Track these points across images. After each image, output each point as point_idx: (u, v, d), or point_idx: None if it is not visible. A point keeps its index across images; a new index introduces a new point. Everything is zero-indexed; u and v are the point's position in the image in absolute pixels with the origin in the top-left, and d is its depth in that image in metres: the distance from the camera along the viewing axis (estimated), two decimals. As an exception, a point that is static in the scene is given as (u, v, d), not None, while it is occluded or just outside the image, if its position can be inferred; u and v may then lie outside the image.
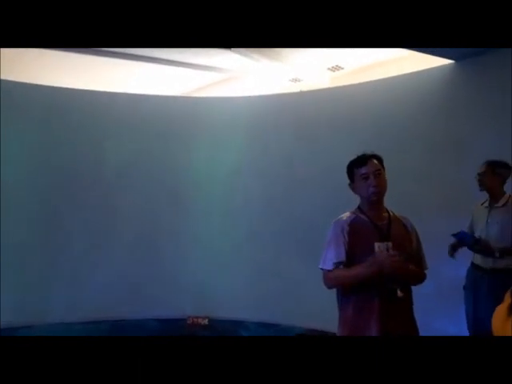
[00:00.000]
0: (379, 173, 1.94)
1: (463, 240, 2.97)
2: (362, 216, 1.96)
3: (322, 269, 1.97)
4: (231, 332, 4.53)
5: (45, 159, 4.78)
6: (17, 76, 4.63)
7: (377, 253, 1.83)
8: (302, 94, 5.05)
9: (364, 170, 1.94)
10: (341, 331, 1.94)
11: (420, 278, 1.99)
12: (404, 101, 4.33)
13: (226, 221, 5.06)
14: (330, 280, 1.95)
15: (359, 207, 2.02)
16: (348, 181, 2.06)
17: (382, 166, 1.99)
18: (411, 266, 1.91)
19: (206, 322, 4.62)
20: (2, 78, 4.55)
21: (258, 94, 5.40)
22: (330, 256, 1.92)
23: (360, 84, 4.74)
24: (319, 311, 4.39)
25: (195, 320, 4.62)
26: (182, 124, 5.16)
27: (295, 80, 5.94)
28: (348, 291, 1.92)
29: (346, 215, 2.00)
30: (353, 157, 2.06)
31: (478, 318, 2.93)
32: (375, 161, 1.97)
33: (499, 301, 1.17)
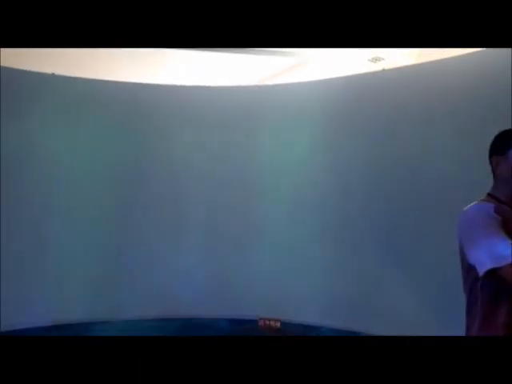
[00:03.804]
0: None
1: None
2: (504, 206, 1.45)
3: (497, 268, 1.36)
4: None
5: (111, 154, 4.76)
6: (83, 73, 4.68)
7: None
8: (385, 72, 4.46)
9: None
10: None
11: None
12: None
13: (297, 217, 4.67)
14: None
15: (492, 195, 1.52)
16: (488, 156, 1.57)
17: None
18: None
19: (278, 325, 4.29)
20: (76, 75, 4.62)
21: (335, 76, 4.89)
22: (503, 248, 1.37)
23: (447, 59, 4.05)
24: (403, 319, 3.90)
25: (267, 322, 4.31)
26: (257, 114, 4.89)
27: (376, 59, 5.34)
28: (499, 294, 1.42)
29: (482, 204, 1.49)
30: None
31: None
32: None
33: None
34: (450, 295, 3.72)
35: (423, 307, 3.87)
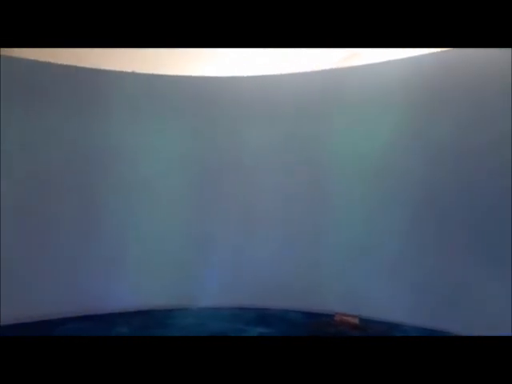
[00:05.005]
0: None
1: None
2: None
3: None
4: (385, 335, 3.94)
5: (185, 150, 4.84)
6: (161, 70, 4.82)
7: None
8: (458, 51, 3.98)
9: None
10: None
11: None
12: None
13: (376, 208, 4.40)
14: None
15: None
16: None
17: None
18: None
19: (355, 321, 4.12)
20: (149, 72, 4.77)
21: (410, 55, 4.48)
22: None
23: None
24: (495, 320, 3.54)
25: (344, 318, 4.16)
26: (333, 98, 4.67)
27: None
28: None
29: None
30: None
31: None
32: None
33: None
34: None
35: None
